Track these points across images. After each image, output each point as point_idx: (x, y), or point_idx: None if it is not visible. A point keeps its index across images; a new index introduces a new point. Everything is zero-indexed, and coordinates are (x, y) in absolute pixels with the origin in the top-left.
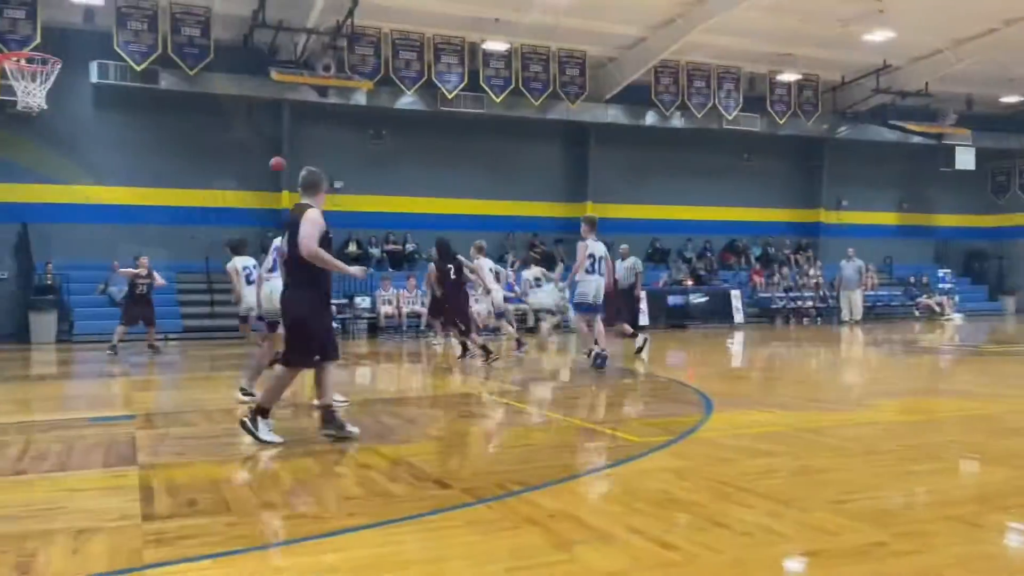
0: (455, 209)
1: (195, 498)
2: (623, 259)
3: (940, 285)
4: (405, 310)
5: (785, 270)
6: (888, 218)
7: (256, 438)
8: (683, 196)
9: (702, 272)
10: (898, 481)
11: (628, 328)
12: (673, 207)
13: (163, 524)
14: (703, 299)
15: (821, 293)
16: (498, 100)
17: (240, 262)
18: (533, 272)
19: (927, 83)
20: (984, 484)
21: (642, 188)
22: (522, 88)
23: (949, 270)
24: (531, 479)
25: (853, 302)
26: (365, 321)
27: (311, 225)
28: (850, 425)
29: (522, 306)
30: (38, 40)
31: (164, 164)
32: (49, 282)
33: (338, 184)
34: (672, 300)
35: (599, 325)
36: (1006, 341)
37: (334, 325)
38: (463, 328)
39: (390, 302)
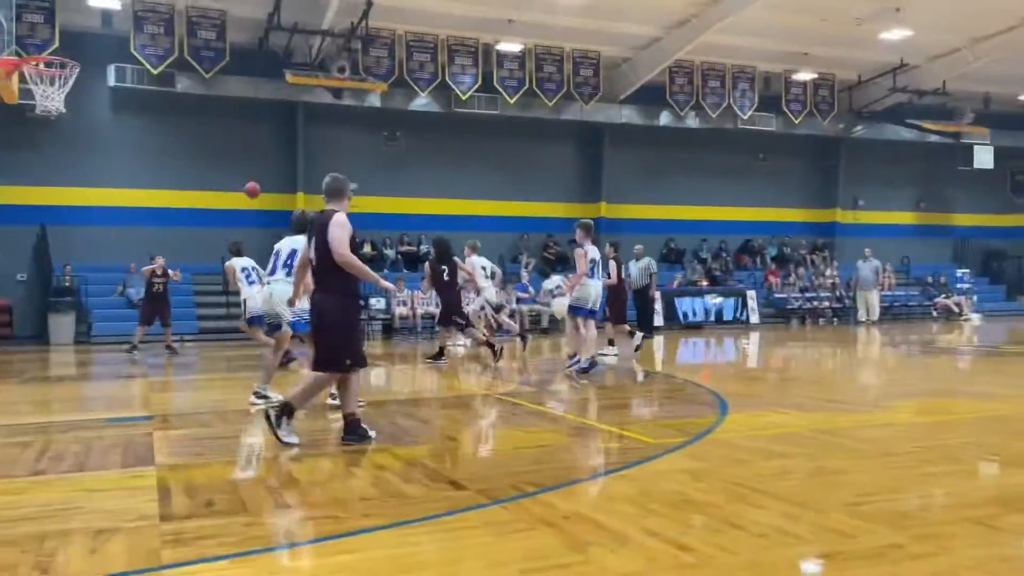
0: (469, 210)
1: (212, 498)
2: (637, 260)
3: (958, 285)
4: (420, 311)
5: (801, 270)
6: (905, 217)
7: (275, 435)
8: (698, 196)
9: (717, 273)
10: (915, 483)
11: (627, 327)
12: (688, 207)
13: (181, 524)
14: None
15: (837, 293)
16: (512, 101)
17: (239, 263)
18: (553, 281)
19: (944, 82)
20: (1002, 486)
21: (657, 188)
22: (536, 89)
23: (967, 270)
24: (546, 480)
25: (870, 302)
26: (380, 322)
27: (340, 229)
28: (867, 426)
29: (535, 307)
30: (56, 44)
31: (180, 166)
32: (67, 284)
33: (353, 186)
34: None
35: (591, 331)
36: None
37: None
38: (462, 324)
39: (405, 303)
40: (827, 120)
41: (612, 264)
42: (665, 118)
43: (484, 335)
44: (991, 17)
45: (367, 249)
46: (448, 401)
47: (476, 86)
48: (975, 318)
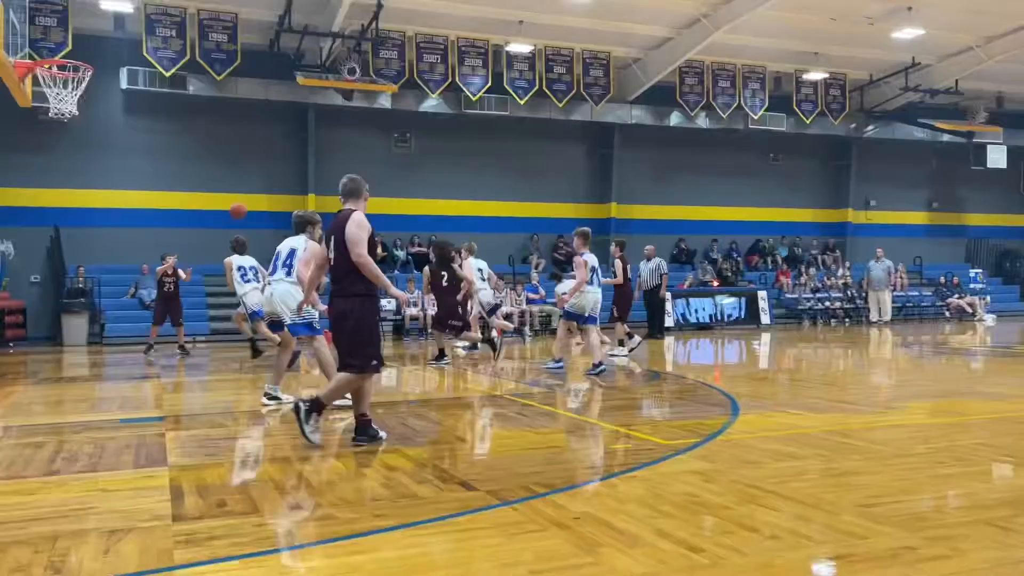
0: (480, 211)
1: (224, 499)
2: (648, 260)
3: (971, 285)
4: (430, 312)
5: (812, 271)
6: (917, 217)
7: (301, 430)
8: (709, 196)
9: (728, 273)
10: (928, 484)
11: (625, 328)
12: (699, 207)
13: (193, 525)
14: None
15: (849, 293)
16: (522, 102)
17: (236, 260)
18: (566, 284)
19: (957, 81)
20: (1016, 488)
21: (667, 189)
22: (546, 90)
23: (980, 270)
24: (556, 481)
25: (882, 303)
26: (390, 323)
27: (359, 228)
28: (879, 427)
29: (546, 307)
30: (69, 47)
31: (192, 168)
32: (80, 285)
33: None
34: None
35: (594, 337)
36: None
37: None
38: (458, 327)
39: (415, 304)
40: (838, 120)
41: (618, 263)
42: (676, 118)
43: (480, 336)
44: (1004, 16)
45: (378, 250)
46: (458, 402)
47: (486, 87)
48: (988, 319)
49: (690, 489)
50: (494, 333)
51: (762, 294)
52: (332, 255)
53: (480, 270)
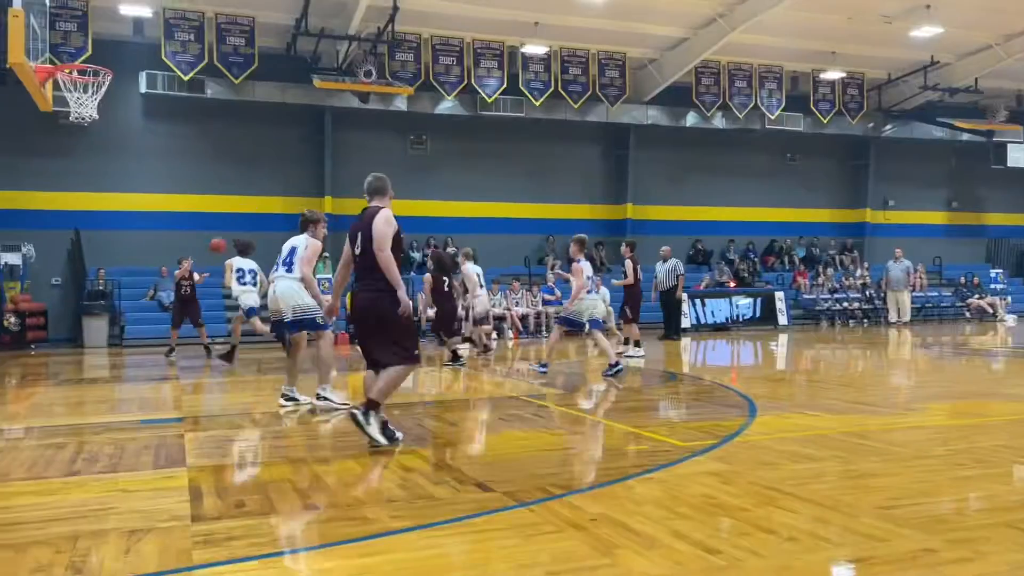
0: (496, 212)
1: (242, 499)
2: (664, 261)
3: (992, 286)
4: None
5: (830, 271)
6: (937, 217)
7: (368, 435)
8: (725, 197)
9: (745, 274)
10: (948, 486)
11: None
12: (715, 208)
13: (212, 525)
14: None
15: (868, 294)
16: (538, 103)
17: (238, 263)
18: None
19: (976, 79)
20: None
21: (684, 189)
22: (561, 91)
23: (1001, 270)
24: (573, 482)
25: (901, 303)
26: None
27: (387, 225)
28: (898, 429)
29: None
30: (90, 52)
31: (210, 171)
32: (101, 287)
33: None
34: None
35: (601, 339)
36: None
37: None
38: (442, 339)
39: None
40: (856, 119)
41: (628, 263)
42: (692, 119)
43: (453, 344)
44: (1022, 14)
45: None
46: (474, 403)
47: (502, 89)
48: (1009, 319)
49: (707, 491)
50: (461, 347)
51: (779, 295)
52: (358, 251)
53: (479, 275)
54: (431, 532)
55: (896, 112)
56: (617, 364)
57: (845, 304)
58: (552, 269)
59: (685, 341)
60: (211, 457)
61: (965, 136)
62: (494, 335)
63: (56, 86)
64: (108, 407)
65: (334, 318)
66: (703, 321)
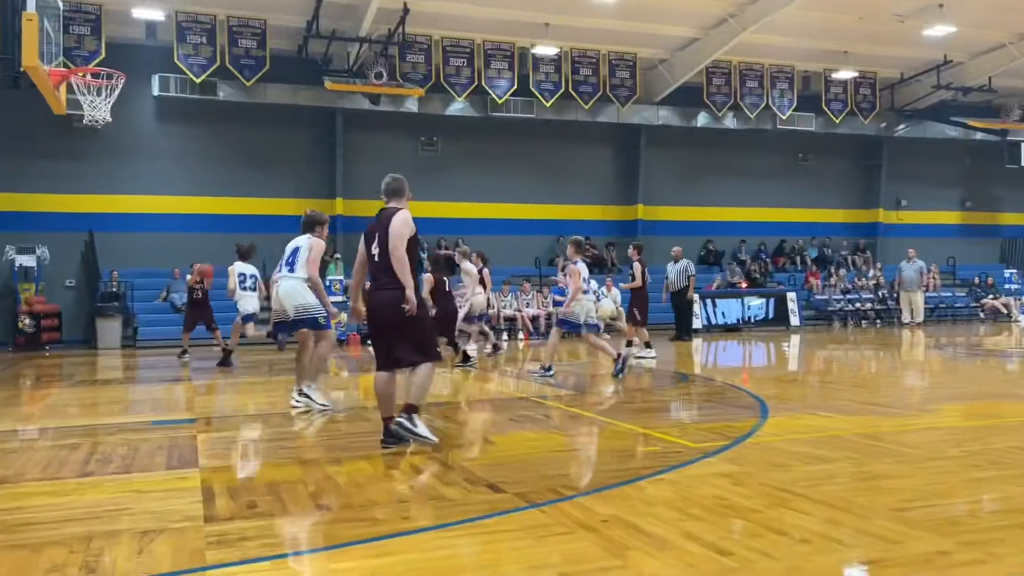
0: (506, 214)
1: (255, 500)
2: (675, 261)
3: (1006, 286)
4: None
5: (842, 271)
6: (950, 217)
7: (415, 434)
8: (737, 197)
9: (756, 275)
10: (962, 488)
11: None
12: (727, 208)
13: (224, 525)
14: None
15: (881, 294)
16: (548, 104)
17: (239, 267)
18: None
19: (990, 78)
20: None
21: (695, 190)
22: (572, 92)
23: (1016, 270)
24: (584, 484)
25: (914, 304)
26: None
27: (404, 226)
28: (911, 430)
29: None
30: (103, 55)
31: (223, 173)
32: (114, 289)
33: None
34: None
35: (601, 342)
36: None
37: None
38: (448, 336)
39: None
40: (869, 119)
41: (636, 265)
42: (703, 119)
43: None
44: None
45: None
46: (484, 404)
47: (512, 90)
48: None
49: (719, 492)
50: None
51: (791, 295)
52: (376, 251)
53: (484, 274)
54: (443, 533)
55: (909, 111)
56: (619, 356)
57: (858, 305)
58: (562, 270)
59: (696, 342)
60: (223, 458)
61: (979, 135)
62: (492, 337)
63: (70, 89)
64: (121, 408)
65: (355, 321)
66: (714, 322)
